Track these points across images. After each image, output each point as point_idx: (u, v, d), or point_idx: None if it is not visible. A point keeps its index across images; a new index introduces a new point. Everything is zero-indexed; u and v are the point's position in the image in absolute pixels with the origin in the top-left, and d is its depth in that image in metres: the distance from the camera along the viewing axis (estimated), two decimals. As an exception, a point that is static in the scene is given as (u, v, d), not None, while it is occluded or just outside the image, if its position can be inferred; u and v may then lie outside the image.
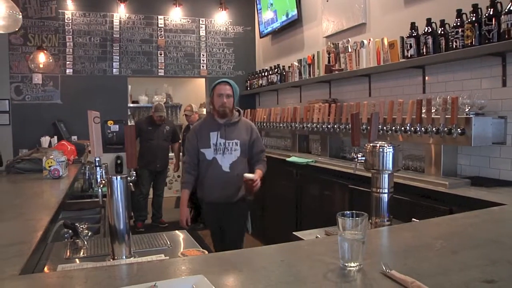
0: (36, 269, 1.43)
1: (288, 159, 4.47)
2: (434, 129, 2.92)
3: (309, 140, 5.10)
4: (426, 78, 3.53)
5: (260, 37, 6.92)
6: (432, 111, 3.01)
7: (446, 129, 2.83)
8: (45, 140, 5.05)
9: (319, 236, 1.92)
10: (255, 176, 3.09)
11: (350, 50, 4.31)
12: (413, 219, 1.92)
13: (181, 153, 6.30)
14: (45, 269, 1.44)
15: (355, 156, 2.01)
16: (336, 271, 1.18)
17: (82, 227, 1.80)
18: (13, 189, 2.99)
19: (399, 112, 3.26)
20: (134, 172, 1.53)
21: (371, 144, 1.96)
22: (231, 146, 3.22)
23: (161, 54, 6.90)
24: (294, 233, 1.95)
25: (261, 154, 3.36)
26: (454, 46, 2.98)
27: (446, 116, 2.85)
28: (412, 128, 3.11)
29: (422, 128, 3.02)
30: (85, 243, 1.71)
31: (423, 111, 3.05)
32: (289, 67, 5.71)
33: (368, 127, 2.95)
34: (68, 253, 1.62)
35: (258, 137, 3.38)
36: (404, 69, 3.66)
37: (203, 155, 3.25)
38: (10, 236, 1.66)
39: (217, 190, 3.24)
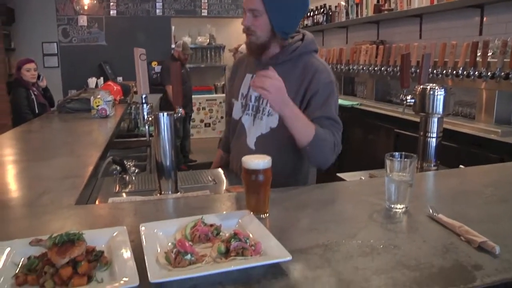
0: (89, 201, 1.51)
1: (331, 102, 4.39)
2: (489, 73, 2.76)
3: (354, 83, 4.98)
4: (484, 18, 3.29)
5: (306, -25, 6.61)
6: (489, 54, 2.83)
7: (503, 73, 2.67)
8: (92, 81, 5.20)
9: (363, 178, 1.90)
10: None
11: (401, -12, 4.06)
12: (460, 165, 1.86)
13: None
14: (97, 201, 1.51)
15: (404, 98, 1.94)
16: (381, 212, 1.17)
17: (130, 164, 1.85)
18: (65, 127, 3.12)
19: (451, 55, 3.09)
20: (181, 109, 1.53)
21: (421, 86, 1.88)
22: (266, 106, 1.68)
23: (204, -6, 6.77)
24: (337, 174, 1.94)
25: (324, 123, 1.66)
26: (519, -18, 2.74)
27: (505, 60, 2.68)
28: (464, 72, 2.95)
29: (476, 72, 2.86)
30: (133, 178, 1.77)
31: (478, 54, 2.88)
32: (335, 6, 5.48)
33: (418, 70, 2.83)
34: (118, 187, 1.69)
35: (322, 94, 1.68)
36: (460, 9, 3.41)
37: (233, 108, 1.86)
38: (65, 171, 1.74)
39: (238, 172, 1.70)
